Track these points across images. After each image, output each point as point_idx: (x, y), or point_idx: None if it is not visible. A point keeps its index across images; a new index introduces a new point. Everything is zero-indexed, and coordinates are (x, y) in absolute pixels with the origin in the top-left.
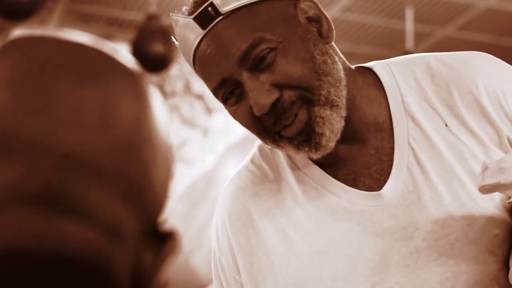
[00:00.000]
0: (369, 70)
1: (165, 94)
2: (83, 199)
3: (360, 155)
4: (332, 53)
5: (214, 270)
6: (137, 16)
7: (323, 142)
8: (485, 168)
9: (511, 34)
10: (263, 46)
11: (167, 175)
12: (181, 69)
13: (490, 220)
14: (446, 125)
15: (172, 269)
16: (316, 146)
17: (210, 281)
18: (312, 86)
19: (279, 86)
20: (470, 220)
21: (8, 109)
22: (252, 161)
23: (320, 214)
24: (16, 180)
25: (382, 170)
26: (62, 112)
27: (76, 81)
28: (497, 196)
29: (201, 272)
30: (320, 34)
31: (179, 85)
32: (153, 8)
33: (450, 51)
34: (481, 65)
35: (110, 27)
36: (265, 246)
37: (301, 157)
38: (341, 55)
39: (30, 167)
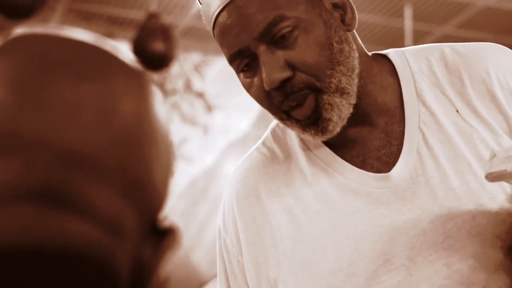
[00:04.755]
0: (385, 57)
1: (165, 92)
2: (82, 195)
3: (370, 138)
4: (351, 40)
5: (218, 251)
6: (138, 15)
7: (330, 127)
8: (493, 156)
9: (509, 32)
10: (284, 24)
11: (167, 171)
12: (182, 67)
13: (498, 205)
14: (457, 111)
15: (173, 266)
16: (323, 130)
17: (211, 278)
18: (323, 75)
19: (293, 67)
20: (477, 204)
21: (7, 106)
22: (263, 143)
23: (328, 195)
24: (16, 176)
25: (391, 154)
26: (61, 109)
27: (76, 77)
28: (505, 183)
29: (201, 269)
30: (342, 21)
31: (179, 83)
32: (153, 7)
33: None
34: (494, 55)
35: (111, 25)
36: (270, 226)
37: (313, 139)
38: (359, 41)
39: (29, 164)
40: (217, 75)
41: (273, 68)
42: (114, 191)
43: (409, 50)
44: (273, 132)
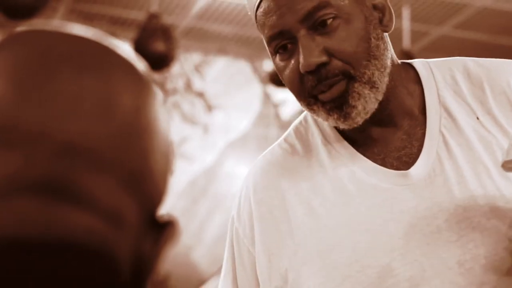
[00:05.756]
0: (411, 66)
1: (166, 92)
2: (83, 187)
3: (392, 139)
4: (387, 41)
5: (228, 240)
6: (139, 15)
7: (353, 114)
8: (510, 146)
9: (506, 33)
10: (328, 10)
11: (166, 164)
12: (182, 67)
13: None
14: (477, 118)
15: (173, 264)
16: (345, 116)
17: (211, 276)
18: (359, 65)
19: (330, 54)
20: (493, 207)
21: (8, 100)
22: (285, 139)
23: (347, 189)
24: (17, 169)
25: (411, 154)
26: (62, 102)
27: (76, 72)
28: None
29: (201, 267)
30: (380, 22)
31: (180, 83)
32: (154, 7)
33: (447, 49)
34: None
35: (112, 26)
36: (288, 217)
37: (334, 135)
38: (391, 48)
39: (30, 156)
40: (217, 75)
41: (311, 52)
42: (114, 183)
43: (434, 61)
44: (296, 129)
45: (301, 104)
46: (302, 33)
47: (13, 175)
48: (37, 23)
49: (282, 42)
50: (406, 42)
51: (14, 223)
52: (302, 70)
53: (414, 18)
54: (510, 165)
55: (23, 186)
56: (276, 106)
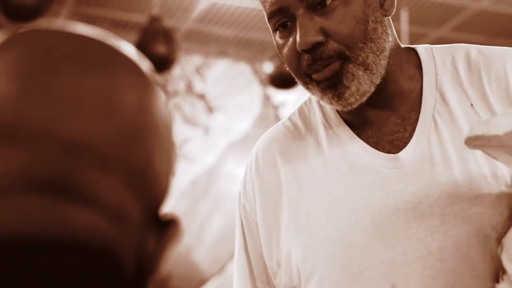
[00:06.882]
0: (414, 51)
1: (167, 94)
2: (86, 185)
3: (386, 122)
4: (386, 24)
5: (237, 217)
6: (140, 18)
7: (346, 95)
8: (475, 123)
9: (503, 35)
10: None
11: (169, 162)
12: (183, 70)
13: (498, 197)
14: (471, 105)
15: (174, 264)
16: (339, 96)
17: (211, 275)
18: (355, 47)
19: (327, 34)
20: (477, 193)
21: (13, 98)
22: (289, 118)
23: (339, 169)
24: (22, 167)
25: (403, 138)
26: (66, 100)
27: (80, 70)
28: (508, 176)
29: (202, 267)
30: (381, 5)
31: (181, 85)
32: (155, 10)
33: None
34: None
35: (114, 29)
36: (282, 193)
37: (334, 116)
38: (394, 31)
39: (35, 154)
40: (218, 77)
41: (308, 31)
42: (117, 181)
43: (437, 47)
44: (300, 109)
45: (298, 82)
46: (300, 11)
47: (17, 173)
48: (41, 23)
49: (281, 20)
50: (405, 44)
51: (18, 220)
52: (298, 48)
53: (412, 21)
54: (474, 142)
55: (26, 184)
56: (276, 107)
